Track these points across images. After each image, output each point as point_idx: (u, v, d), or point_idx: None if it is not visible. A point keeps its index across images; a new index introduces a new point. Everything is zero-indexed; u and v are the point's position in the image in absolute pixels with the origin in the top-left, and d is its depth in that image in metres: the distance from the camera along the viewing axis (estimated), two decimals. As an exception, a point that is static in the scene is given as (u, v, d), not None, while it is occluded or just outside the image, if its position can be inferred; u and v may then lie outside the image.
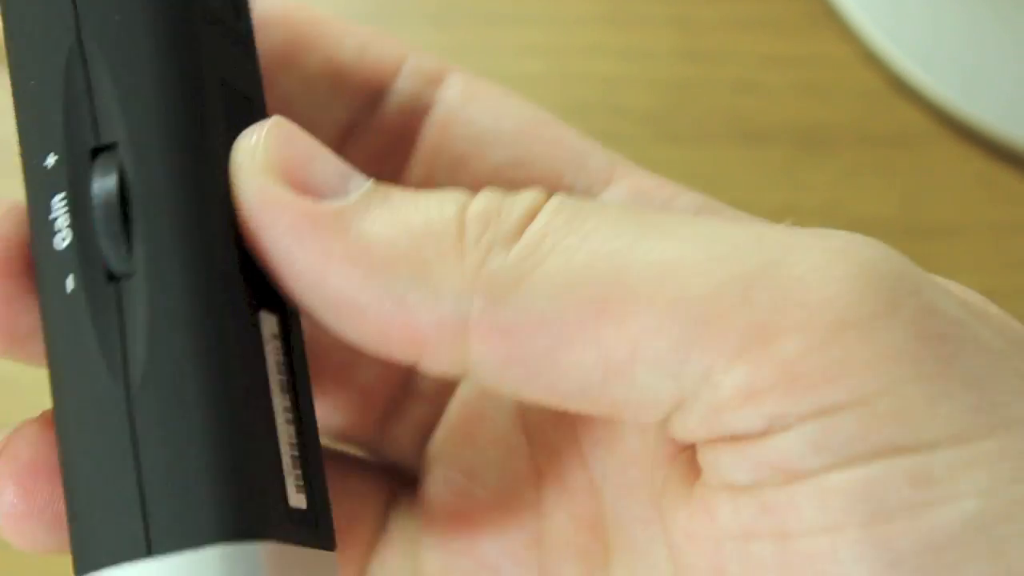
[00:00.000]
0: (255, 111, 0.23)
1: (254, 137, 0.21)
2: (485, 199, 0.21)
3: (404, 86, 0.26)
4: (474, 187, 0.24)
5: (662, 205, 0.25)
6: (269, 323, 0.21)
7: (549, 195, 0.21)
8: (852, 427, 0.19)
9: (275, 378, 0.21)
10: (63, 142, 0.20)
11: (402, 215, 0.21)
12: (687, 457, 0.22)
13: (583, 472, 0.25)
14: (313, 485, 0.21)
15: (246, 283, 0.20)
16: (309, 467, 0.21)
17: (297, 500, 0.20)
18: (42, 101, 0.21)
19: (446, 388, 0.27)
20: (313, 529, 0.21)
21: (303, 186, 0.21)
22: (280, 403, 0.20)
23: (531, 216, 0.21)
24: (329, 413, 0.27)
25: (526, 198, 0.21)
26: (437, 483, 0.26)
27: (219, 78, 0.21)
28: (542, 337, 0.20)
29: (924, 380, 0.19)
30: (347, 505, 0.25)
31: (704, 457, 0.20)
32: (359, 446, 0.28)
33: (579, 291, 0.20)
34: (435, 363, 0.21)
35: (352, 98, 0.26)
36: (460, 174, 0.26)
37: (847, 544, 0.19)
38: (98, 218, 0.20)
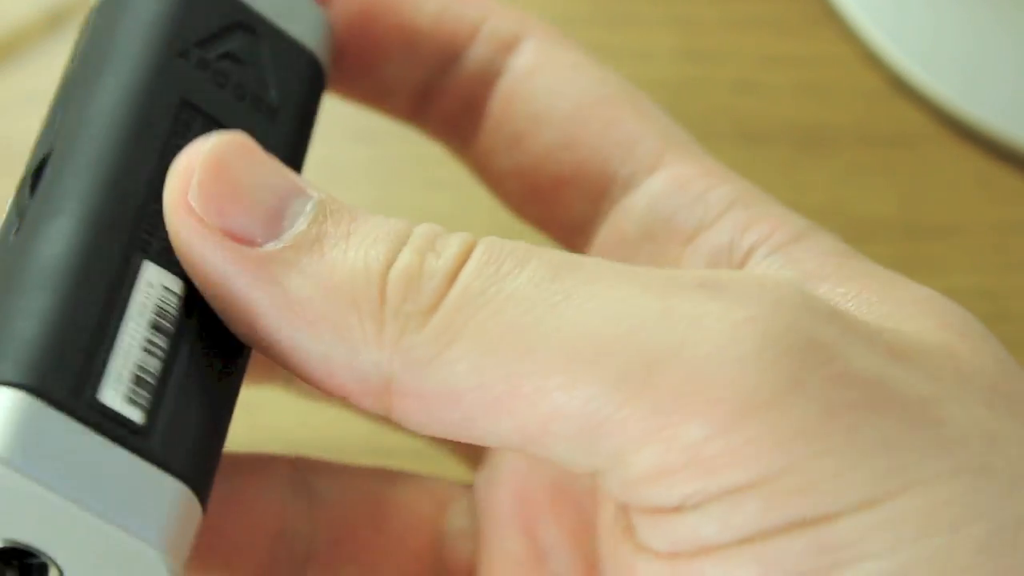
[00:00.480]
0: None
1: (185, 160, 0.22)
2: (409, 256, 0.21)
3: (477, 52, 0.27)
4: (527, 167, 0.25)
5: (696, 198, 0.24)
6: (155, 275, 0.22)
7: (470, 249, 0.21)
8: (757, 505, 0.19)
9: (139, 314, 0.22)
10: (32, 156, 0.24)
11: (327, 268, 0.21)
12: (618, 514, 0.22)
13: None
14: (170, 419, 0.21)
15: (134, 240, 0.22)
16: (168, 401, 0.22)
17: (119, 404, 0.21)
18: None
19: None
20: (140, 439, 0.21)
21: (231, 229, 0.21)
22: (137, 332, 0.21)
23: (451, 280, 0.21)
24: None
25: (446, 261, 0.21)
26: (500, 464, 0.27)
27: (180, 98, 0.24)
28: (459, 409, 0.20)
29: (829, 454, 0.19)
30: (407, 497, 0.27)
31: (631, 517, 0.21)
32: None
33: (491, 371, 0.20)
34: (365, 410, 0.22)
35: (425, 62, 0.27)
36: (516, 151, 0.26)
37: None
38: (23, 185, 0.24)
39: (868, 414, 0.19)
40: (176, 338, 0.22)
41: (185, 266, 0.22)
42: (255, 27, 0.25)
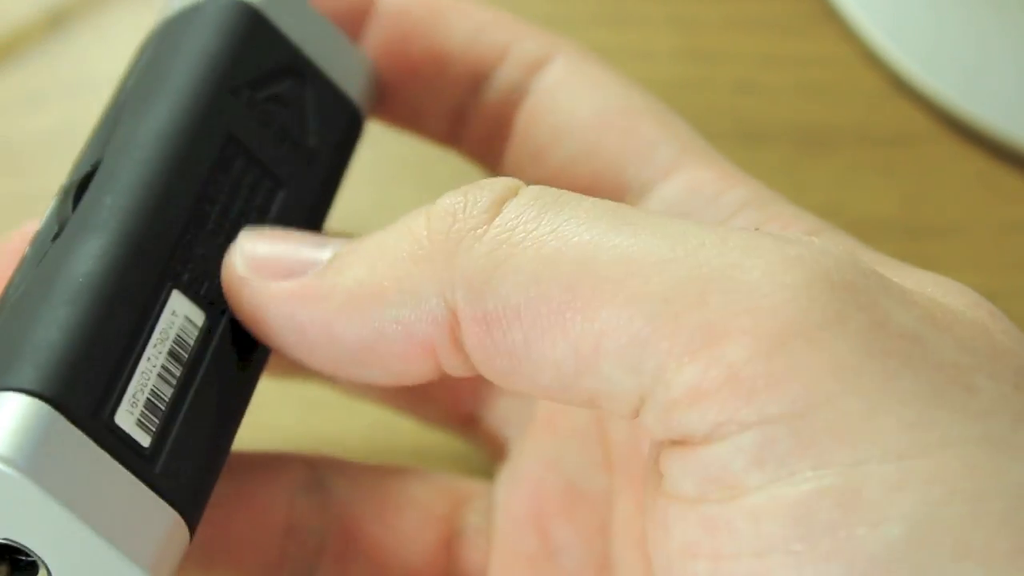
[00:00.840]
0: (277, 190, 0.25)
1: (231, 255, 0.24)
2: (449, 195, 0.22)
3: (506, 74, 0.27)
4: (549, 179, 0.26)
5: (709, 201, 0.25)
6: (181, 305, 0.23)
7: (519, 185, 0.22)
8: (788, 439, 0.19)
9: (160, 341, 0.23)
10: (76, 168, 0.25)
11: (372, 248, 0.22)
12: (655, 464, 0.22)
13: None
14: (173, 447, 0.22)
15: (167, 271, 0.23)
16: (174, 429, 0.22)
17: (130, 427, 0.22)
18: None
19: None
20: (144, 464, 0.22)
21: (277, 275, 0.23)
22: (156, 359, 0.22)
23: (500, 204, 0.22)
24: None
25: (493, 186, 0.22)
26: (519, 463, 0.27)
27: (227, 133, 0.25)
28: (518, 329, 0.21)
29: (863, 394, 0.19)
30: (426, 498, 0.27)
31: (662, 463, 0.21)
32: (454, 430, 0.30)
33: (548, 284, 0.20)
34: (452, 366, 0.22)
35: (456, 86, 0.27)
36: (538, 165, 0.27)
37: (774, 567, 0.19)
38: (66, 194, 0.24)
39: (903, 365, 0.19)
40: (191, 368, 0.23)
41: (258, 331, 0.23)
42: (304, 72, 0.26)
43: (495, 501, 0.27)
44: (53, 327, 0.22)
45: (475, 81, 0.27)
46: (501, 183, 0.22)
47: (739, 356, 0.19)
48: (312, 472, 0.28)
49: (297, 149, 0.26)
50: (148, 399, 0.22)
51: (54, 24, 0.41)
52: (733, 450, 0.19)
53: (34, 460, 0.21)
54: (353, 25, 0.27)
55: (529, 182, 0.26)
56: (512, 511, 0.27)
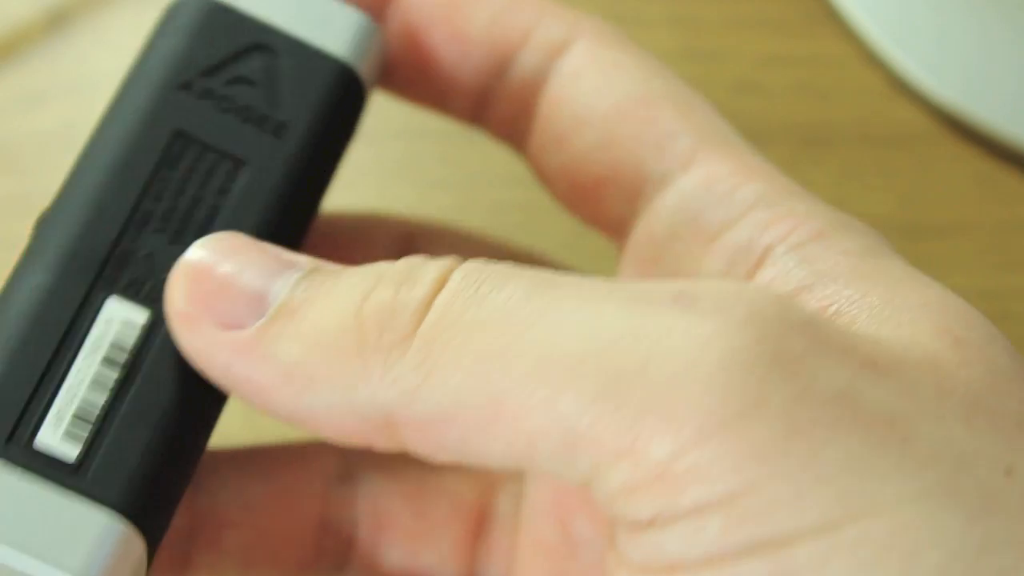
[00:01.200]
0: (238, 170, 0.25)
1: (174, 271, 0.23)
2: (381, 291, 0.22)
3: (527, 58, 0.27)
4: (570, 166, 0.26)
5: (722, 197, 0.25)
6: (118, 310, 0.23)
7: (447, 276, 0.22)
8: (719, 525, 0.19)
9: (92, 351, 0.23)
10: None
11: (309, 327, 0.22)
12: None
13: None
14: (108, 450, 0.22)
15: (99, 274, 0.23)
16: (109, 432, 0.22)
17: (56, 442, 0.22)
18: None
19: None
20: (71, 474, 0.22)
21: (221, 320, 0.22)
22: (86, 369, 0.23)
23: (425, 307, 0.21)
24: None
25: (422, 288, 0.22)
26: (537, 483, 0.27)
27: (173, 130, 0.25)
28: (452, 430, 0.21)
29: (789, 475, 0.19)
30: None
31: (614, 530, 0.21)
32: None
33: (474, 394, 0.21)
34: (387, 448, 0.22)
35: (478, 70, 0.27)
36: (560, 151, 0.27)
37: None
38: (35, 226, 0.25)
39: (831, 434, 0.19)
40: (130, 370, 0.23)
41: (194, 364, 0.23)
42: (274, 45, 0.26)
43: (525, 490, 0.27)
44: None
45: (498, 65, 0.27)
46: (435, 272, 0.22)
47: (663, 453, 0.19)
48: (344, 462, 0.28)
49: (264, 123, 0.25)
50: (77, 411, 0.22)
51: (54, 24, 0.41)
52: (669, 535, 0.19)
53: None
54: (375, 11, 0.27)
55: (553, 166, 0.27)
56: (537, 502, 0.27)
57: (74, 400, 0.22)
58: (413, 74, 0.28)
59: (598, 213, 0.26)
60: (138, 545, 0.22)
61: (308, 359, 0.22)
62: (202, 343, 0.22)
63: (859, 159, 0.40)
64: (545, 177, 0.27)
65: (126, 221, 0.24)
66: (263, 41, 0.26)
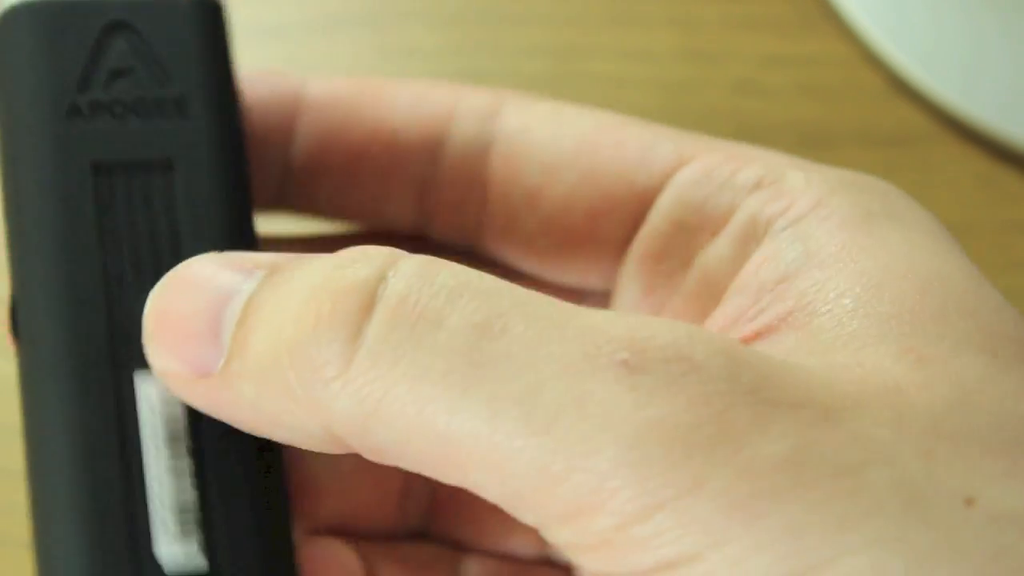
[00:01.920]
0: (171, 172, 0.23)
1: (145, 339, 0.22)
2: (309, 340, 0.21)
3: (461, 128, 0.27)
4: (553, 216, 0.26)
5: (723, 184, 0.25)
6: (149, 387, 0.22)
7: (371, 301, 0.21)
8: None
9: (153, 435, 0.22)
10: None
11: (256, 368, 0.21)
12: None
13: None
14: (233, 548, 0.22)
15: (115, 348, 0.22)
16: (222, 529, 0.22)
17: (175, 551, 0.21)
18: None
19: None
20: None
21: (191, 366, 0.22)
22: (159, 463, 0.22)
23: (354, 338, 0.20)
24: None
25: (346, 319, 0.20)
26: None
27: (87, 165, 0.23)
28: (404, 460, 0.21)
29: (730, 544, 0.19)
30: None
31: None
32: None
33: (417, 444, 0.20)
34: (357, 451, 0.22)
35: (415, 155, 0.27)
36: (536, 209, 0.26)
37: None
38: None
39: (773, 502, 0.19)
40: (195, 441, 0.22)
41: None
42: (123, 18, 0.24)
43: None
44: (56, 546, 0.22)
45: (430, 147, 0.27)
46: (353, 304, 0.21)
47: (605, 526, 0.19)
48: None
49: (164, 107, 0.24)
50: (176, 517, 0.22)
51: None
52: None
53: None
54: (284, 122, 0.27)
55: (530, 227, 0.26)
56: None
57: (168, 504, 0.22)
58: (341, 184, 0.27)
59: (596, 243, 0.26)
60: None
61: (263, 397, 0.21)
62: (190, 395, 0.22)
63: (859, 159, 0.40)
64: (515, 251, 0.27)
65: (104, 291, 0.22)
66: (111, 20, 0.24)
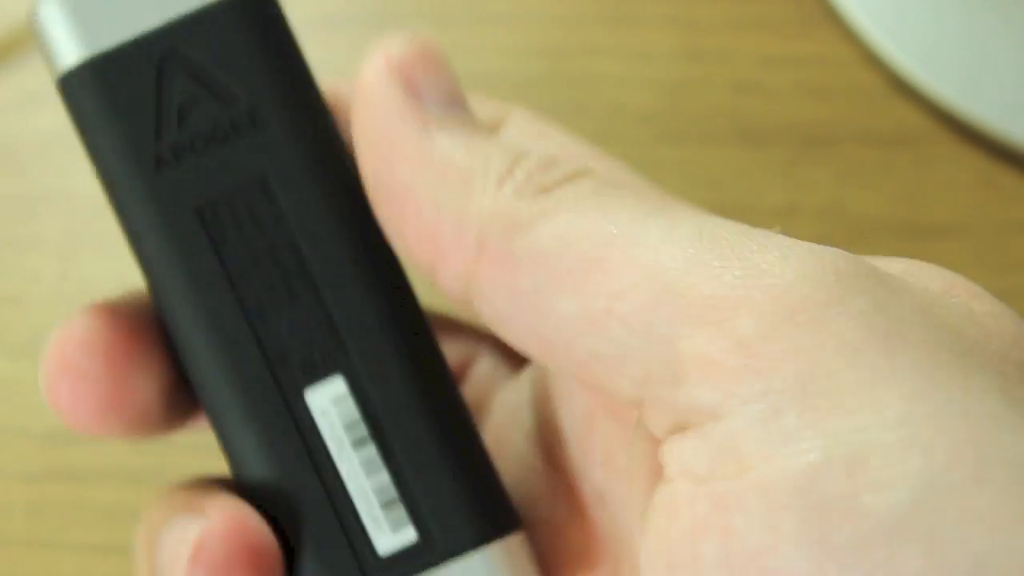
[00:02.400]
0: (266, 180, 0.23)
1: (393, 49, 0.25)
2: (540, 158, 0.24)
3: None
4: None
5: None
6: (320, 396, 0.23)
7: (590, 172, 0.23)
8: (794, 410, 0.19)
9: (338, 445, 0.23)
10: None
11: (472, 144, 0.24)
12: (654, 461, 0.22)
13: (590, 487, 0.26)
14: (434, 508, 0.23)
15: (276, 373, 0.23)
16: (422, 495, 0.23)
17: (396, 540, 0.23)
18: None
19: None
20: (437, 549, 0.22)
21: (414, 90, 0.25)
22: (351, 464, 0.23)
23: (571, 179, 0.23)
24: None
25: (569, 167, 0.23)
26: None
27: (188, 208, 0.23)
28: (538, 275, 0.22)
29: (864, 368, 0.19)
30: None
31: (667, 455, 0.21)
32: None
33: (577, 244, 0.22)
34: (447, 275, 0.23)
35: None
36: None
37: (787, 539, 0.19)
38: None
39: (904, 344, 0.20)
40: (376, 430, 0.23)
41: (364, 113, 0.24)
42: (171, 47, 0.23)
43: None
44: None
45: None
46: (575, 166, 0.23)
47: (747, 329, 0.20)
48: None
49: (239, 126, 0.23)
50: (381, 504, 0.22)
51: (54, 24, 0.41)
52: (740, 423, 0.20)
53: None
54: None
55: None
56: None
57: (370, 497, 0.22)
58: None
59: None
60: (514, 544, 0.23)
61: (457, 159, 0.23)
62: (392, 88, 0.24)
63: (859, 159, 0.40)
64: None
65: (247, 325, 0.23)
66: (161, 54, 0.23)
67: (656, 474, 0.22)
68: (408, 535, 0.22)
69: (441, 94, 0.25)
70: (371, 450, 0.22)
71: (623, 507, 0.25)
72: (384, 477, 0.22)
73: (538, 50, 0.41)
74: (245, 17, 0.24)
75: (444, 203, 0.23)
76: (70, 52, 0.23)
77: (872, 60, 0.41)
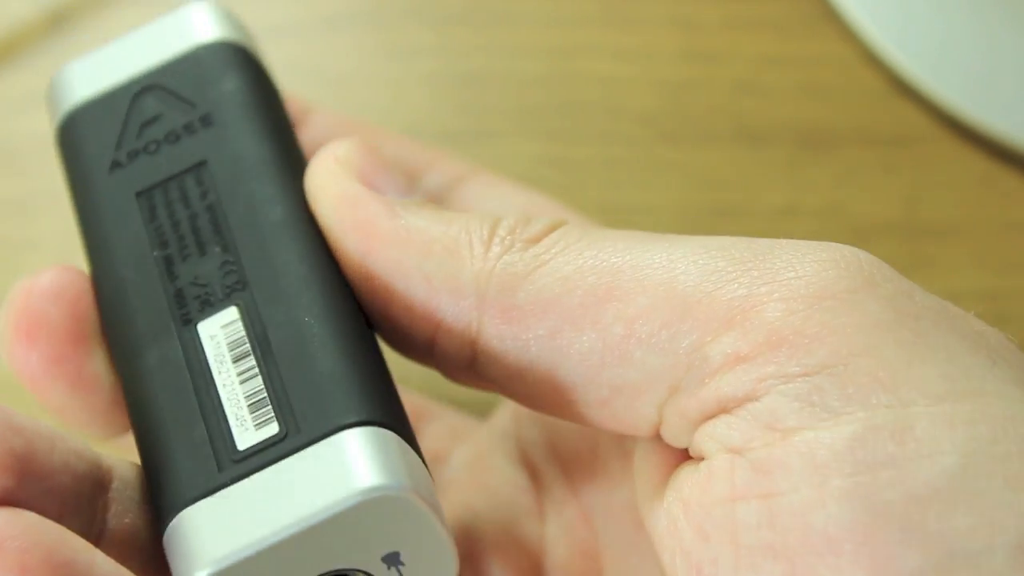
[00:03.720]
0: (202, 168, 0.26)
1: (340, 150, 0.25)
2: (515, 217, 0.23)
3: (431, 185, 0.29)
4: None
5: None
6: (210, 326, 0.24)
7: (568, 221, 0.23)
8: (833, 385, 0.19)
9: (218, 361, 0.24)
10: None
11: (444, 218, 0.24)
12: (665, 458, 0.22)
13: (576, 504, 0.26)
14: (303, 403, 0.23)
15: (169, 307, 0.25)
16: (292, 393, 0.23)
17: (259, 435, 0.23)
18: None
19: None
20: (299, 437, 0.22)
21: (371, 184, 0.24)
22: (228, 376, 0.23)
23: (552, 229, 0.23)
24: None
25: (547, 219, 0.23)
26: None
27: (134, 196, 0.26)
28: (547, 320, 0.22)
29: (900, 346, 0.20)
30: None
31: (700, 438, 0.21)
32: None
33: (582, 280, 0.22)
34: (450, 346, 0.23)
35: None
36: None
37: (833, 495, 0.19)
38: None
39: (934, 326, 0.20)
40: (261, 345, 0.23)
41: (325, 209, 0.24)
42: (152, 81, 0.27)
43: None
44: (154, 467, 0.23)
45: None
46: (555, 218, 0.23)
47: (776, 317, 0.20)
48: None
49: (192, 128, 0.26)
50: (249, 406, 0.23)
51: (54, 24, 0.41)
52: (778, 399, 0.20)
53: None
54: None
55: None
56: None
57: (240, 401, 0.23)
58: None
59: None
60: (385, 435, 0.22)
61: (435, 233, 0.23)
62: (350, 188, 0.24)
63: (859, 160, 0.40)
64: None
65: (158, 272, 0.25)
66: (140, 87, 0.27)
67: (668, 464, 0.22)
68: (271, 430, 0.22)
69: (396, 184, 0.25)
70: (249, 362, 0.23)
71: (613, 520, 0.25)
72: (257, 383, 0.23)
73: (538, 50, 0.41)
74: (216, 54, 0.27)
75: (434, 275, 0.23)
76: (60, 111, 0.27)
77: (872, 60, 0.41)
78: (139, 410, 0.24)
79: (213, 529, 0.21)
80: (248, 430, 0.22)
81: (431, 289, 0.23)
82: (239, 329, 0.24)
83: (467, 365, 0.23)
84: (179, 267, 0.25)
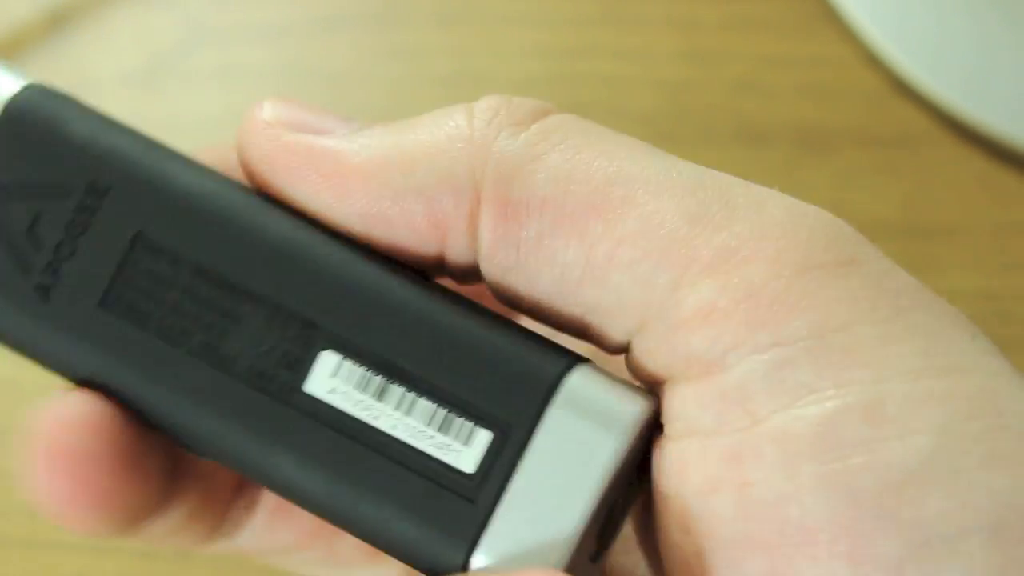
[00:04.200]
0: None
1: (264, 113, 0.22)
2: (492, 98, 0.22)
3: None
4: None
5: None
6: (318, 378, 0.22)
7: (554, 108, 0.22)
8: (806, 361, 0.19)
9: (364, 403, 0.21)
10: None
11: (405, 127, 0.22)
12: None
13: None
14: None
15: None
16: (455, 402, 0.21)
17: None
18: None
19: None
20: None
21: (308, 129, 0.22)
22: (390, 407, 0.21)
23: (541, 114, 0.22)
24: None
25: (535, 102, 0.22)
26: None
27: (94, 307, 0.22)
28: (538, 222, 0.21)
29: (878, 323, 0.19)
30: None
31: (669, 405, 0.20)
32: None
33: (577, 186, 0.21)
34: (457, 247, 0.22)
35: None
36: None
37: (807, 487, 0.19)
38: None
39: (914, 303, 0.20)
40: (387, 368, 0.21)
41: (283, 178, 0.22)
42: None
43: None
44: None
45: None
46: (540, 101, 0.22)
47: (758, 278, 0.19)
48: None
49: (86, 206, 0.22)
50: (438, 430, 0.21)
51: (54, 24, 0.41)
52: (750, 373, 0.19)
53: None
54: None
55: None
56: None
57: (425, 430, 0.21)
58: None
59: None
60: (582, 370, 0.21)
61: (405, 143, 0.21)
62: (278, 146, 0.22)
63: (859, 160, 0.40)
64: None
65: (208, 366, 0.22)
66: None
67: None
68: (480, 435, 0.21)
69: (333, 119, 0.22)
70: (396, 390, 0.21)
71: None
72: (423, 403, 0.21)
73: (538, 50, 0.41)
74: (26, 115, 0.24)
75: (427, 185, 0.21)
76: None
77: (872, 60, 0.41)
78: (338, 505, 0.21)
79: (522, 542, 0.20)
80: (457, 450, 0.21)
81: (430, 199, 0.21)
82: (351, 366, 0.21)
83: (476, 270, 0.22)
84: (223, 346, 0.22)
